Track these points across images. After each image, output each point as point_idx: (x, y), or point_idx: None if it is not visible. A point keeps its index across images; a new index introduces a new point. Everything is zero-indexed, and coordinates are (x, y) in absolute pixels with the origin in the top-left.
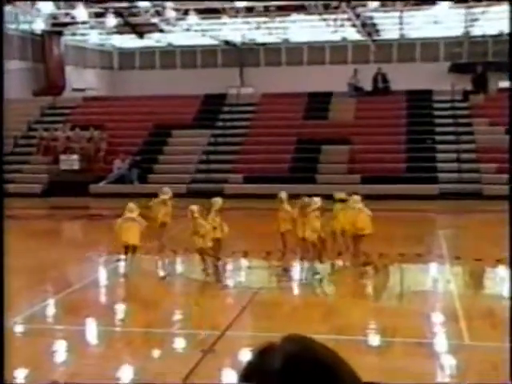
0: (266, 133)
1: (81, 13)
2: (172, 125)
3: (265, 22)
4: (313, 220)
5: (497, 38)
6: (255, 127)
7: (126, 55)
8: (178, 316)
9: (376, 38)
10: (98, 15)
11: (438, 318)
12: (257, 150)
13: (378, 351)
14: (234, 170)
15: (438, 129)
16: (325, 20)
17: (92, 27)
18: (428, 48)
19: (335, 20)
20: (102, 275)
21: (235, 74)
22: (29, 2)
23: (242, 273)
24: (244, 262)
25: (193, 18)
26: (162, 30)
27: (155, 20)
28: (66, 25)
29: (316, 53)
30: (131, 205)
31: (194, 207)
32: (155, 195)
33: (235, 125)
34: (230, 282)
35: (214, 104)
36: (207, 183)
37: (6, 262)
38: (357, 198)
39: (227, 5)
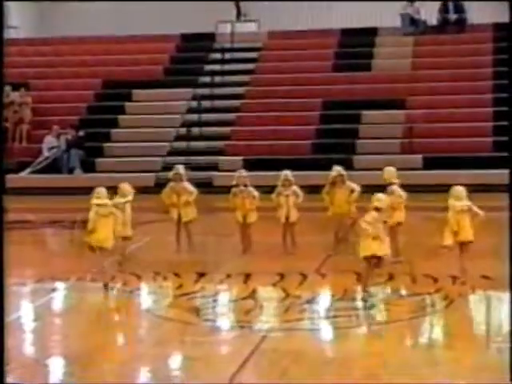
0: (276, 92)
1: None
2: (132, 82)
3: None
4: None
5: None
6: (259, 84)
7: None
8: (143, 374)
9: None
10: None
11: None
12: (262, 120)
13: None
14: (227, 149)
15: None
16: None
17: None
18: None
19: None
20: (28, 314)
21: (228, 1)
22: None
23: (242, 307)
24: (245, 290)
25: None
26: None
27: None
28: None
29: None
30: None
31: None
32: (108, 190)
33: (229, 80)
34: (223, 321)
35: (195, 49)
36: (187, 171)
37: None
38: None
39: None
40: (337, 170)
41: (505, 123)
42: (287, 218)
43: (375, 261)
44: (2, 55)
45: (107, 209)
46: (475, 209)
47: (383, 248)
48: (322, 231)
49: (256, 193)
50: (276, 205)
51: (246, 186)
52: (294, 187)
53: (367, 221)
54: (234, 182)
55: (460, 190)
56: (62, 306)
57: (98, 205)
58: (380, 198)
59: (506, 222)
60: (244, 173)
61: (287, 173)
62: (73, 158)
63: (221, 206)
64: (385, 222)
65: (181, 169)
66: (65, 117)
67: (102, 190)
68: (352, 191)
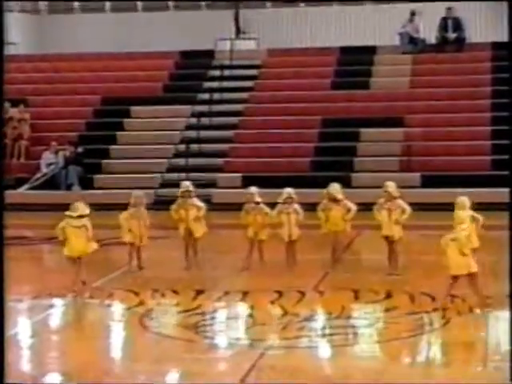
0: (275, 110)
1: None
2: (130, 98)
3: None
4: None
5: None
6: (258, 101)
7: None
8: None
9: None
10: None
11: None
12: (261, 137)
13: None
14: (226, 166)
15: None
16: None
17: None
18: None
19: None
20: (25, 330)
21: (227, 18)
22: None
23: (241, 324)
24: (243, 308)
25: None
26: None
27: None
28: None
29: None
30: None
31: None
32: (106, 206)
33: (228, 98)
34: (222, 338)
35: (194, 66)
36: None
37: None
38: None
39: None
40: (334, 186)
41: (503, 142)
42: (289, 236)
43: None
44: (2, 71)
45: (80, 221)
46: (475, 215)
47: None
48: (319, 249)
49: (268, 210)
50: (277, 223)
51: (257, 203)
52: (295, 205)
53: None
54: (244, 200)
55: (464, 200)
56: (59, 322)
57: (70, 217)
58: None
59: (505, 241)
60: (253, 190)
61: (290, 190)
62: (71, 175)
63: (220, 223)
64: None
65: (189, 186)
66: (63, 133)
67: (78, 205)
68: (348, 210)
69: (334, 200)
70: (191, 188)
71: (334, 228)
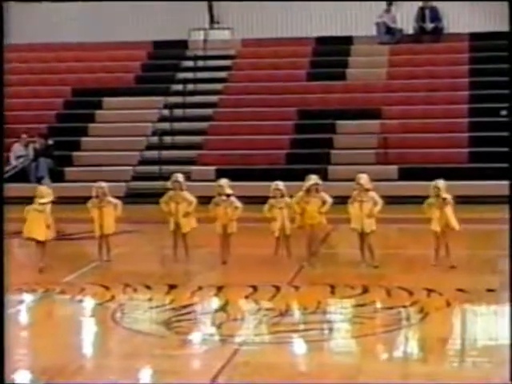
0: (249, 101)
1: None
2: (102, 89)
3: None
4: None
5: None
6: (232, 92)
7: None
8: None
9: None
10: None
11: None
12: (235, 129)
13: None
14: (199, 159)
15: None
16: None
17: None
18: None
19: None
20: None
21: (201, 7)
22: None
23: (215, 319)
24: (217, 303)
25: None
26: None
27: None
28: None
29: None
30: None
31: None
32: (77, 200)
33: (202, 89)
34: (195, 334)
35: (168, 56)
36: (158, 180)
37: None
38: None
39: None
40: (313, 178)
41: (481, 134)
42: (282, 231)
43: None
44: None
45: (42, 206)
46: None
47: None
48: (294, 242)
49: (238, 203)
50: (270, 218)
51: (228, 195)
52: (287, 199)
53: None
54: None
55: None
56: (29, 318)
57: (37, 202)
58: None
59: (480, 235)
60: (223, 182)
61: (278, 183)
62: (41, 167)
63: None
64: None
65: (180, 177)
66: (33, 125)
67: (41, 189)
68: (324, 202)
69: (316, 190)
70: (181, 179)
71: (309, 221)
